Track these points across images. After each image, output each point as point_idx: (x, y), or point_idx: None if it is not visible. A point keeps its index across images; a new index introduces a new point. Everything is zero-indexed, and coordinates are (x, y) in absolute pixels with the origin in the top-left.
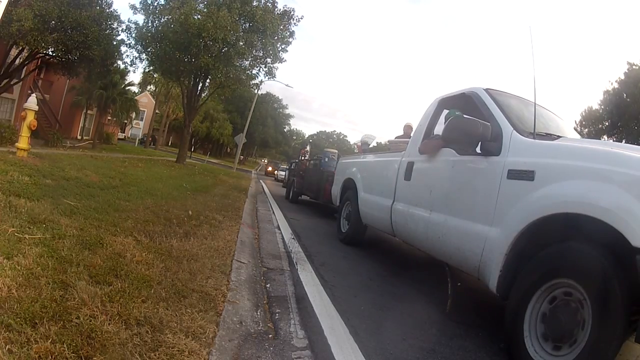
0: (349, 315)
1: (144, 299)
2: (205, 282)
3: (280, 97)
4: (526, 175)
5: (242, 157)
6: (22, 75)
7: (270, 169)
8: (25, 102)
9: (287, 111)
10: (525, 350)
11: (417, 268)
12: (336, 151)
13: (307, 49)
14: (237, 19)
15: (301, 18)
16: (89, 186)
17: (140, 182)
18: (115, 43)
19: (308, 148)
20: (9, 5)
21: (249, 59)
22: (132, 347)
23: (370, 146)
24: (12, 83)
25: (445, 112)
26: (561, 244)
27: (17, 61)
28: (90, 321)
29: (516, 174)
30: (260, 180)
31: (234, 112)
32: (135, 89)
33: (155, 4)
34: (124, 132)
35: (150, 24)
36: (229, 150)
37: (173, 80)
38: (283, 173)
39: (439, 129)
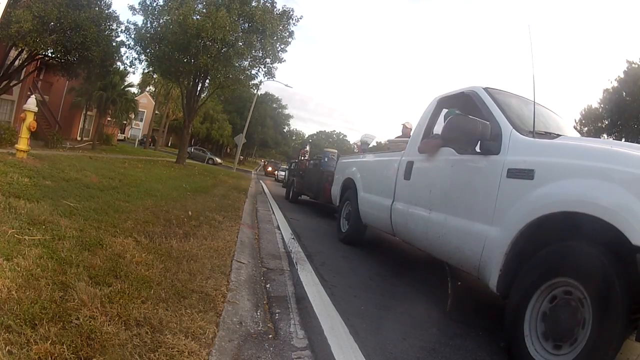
0: (349, 315)
1: (144, 299)
2: (205, 282)
3: (280, 98)
4: (526, 174)
5: (241, 157)
6: (22, 77)
7: (270, 169)
8: (25, 103)
9: (286, 111)
10: (525, 350)
11: (417, 268)
12: (336, 151)
13: (304, 48)
14: (236, 19)
15: (300, 18)
16: (88, 187)
17: (139, 183)
18: (114, 44)
19: (308, 148)
20: (8, 6)
21: (248, 59)
22: (131, 348)
23: (370, 146)
24: (11, 84)
25: (445, 111)
26: (561, 243)
27: (16, 62)
28: (90, 322)
29: (516, 173)
30: (260, 181)
31: (234, 112)
32: (134, 89)
33: (154, 5)
34: (123, 133)
35: (149, 25)
36: (228, 150)
37: (172, 80)
38: (283, 173)
39: (438, 128)
